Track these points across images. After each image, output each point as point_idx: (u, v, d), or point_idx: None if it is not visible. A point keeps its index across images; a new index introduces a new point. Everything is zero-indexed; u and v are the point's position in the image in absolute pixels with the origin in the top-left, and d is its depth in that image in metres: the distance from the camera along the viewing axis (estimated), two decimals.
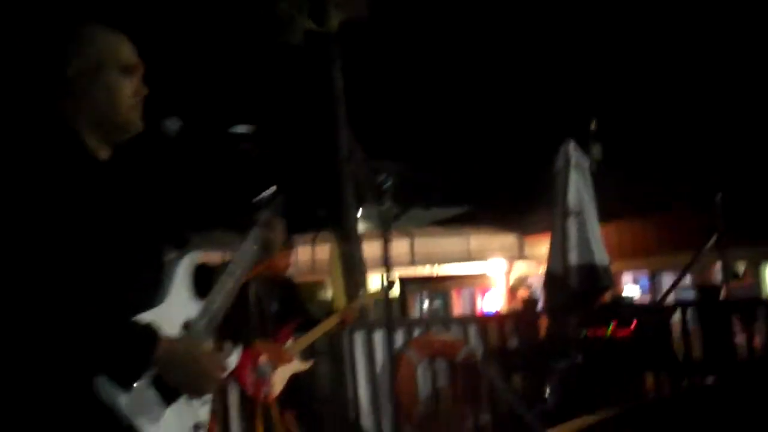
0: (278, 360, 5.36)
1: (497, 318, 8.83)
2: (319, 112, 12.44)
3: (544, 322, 8.16)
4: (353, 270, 11.64)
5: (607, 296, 7.43)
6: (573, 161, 6.96)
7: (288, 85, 13.04)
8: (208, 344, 2.18)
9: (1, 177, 1.95)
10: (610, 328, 6.21)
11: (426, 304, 18.84)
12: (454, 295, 17.69)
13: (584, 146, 7.37)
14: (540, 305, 7.99)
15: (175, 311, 2.13)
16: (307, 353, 5.80)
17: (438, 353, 7.48)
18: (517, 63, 16.17)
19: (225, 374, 2.16)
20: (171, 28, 12.55)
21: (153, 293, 2.11)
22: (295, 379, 5.46)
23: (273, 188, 2.48)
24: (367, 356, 7.27)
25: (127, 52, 2.20)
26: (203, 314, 2.17)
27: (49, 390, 1.91)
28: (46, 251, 1.90)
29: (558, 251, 6.98)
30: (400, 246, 13.28)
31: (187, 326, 2.13)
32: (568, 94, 15.56)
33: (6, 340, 1.90)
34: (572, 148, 7.02)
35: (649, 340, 6.06)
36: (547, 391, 7.52)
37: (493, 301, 15.38)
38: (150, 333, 1.97)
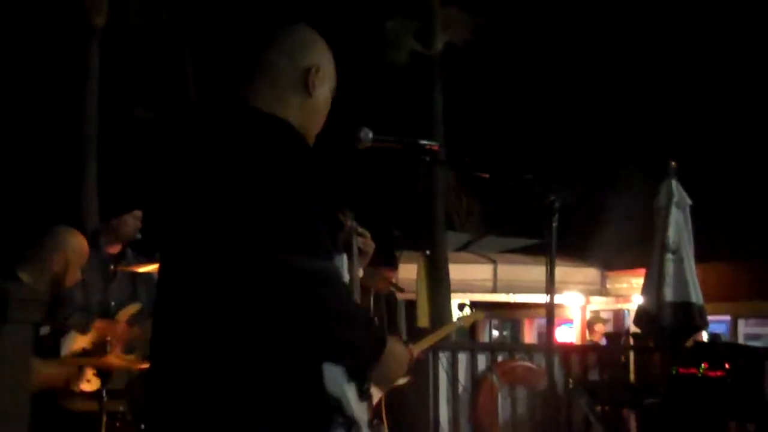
0: None
1: (580, 349, 8.82)
2: (416, 133, 12.55)
3: (627, 358, 8.13)
4: (440, 291, 11.70)
5: (701, 336, 7.37)
6: (675, 198, 6.94)
7: (390, 104, 13.22)
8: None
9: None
10: (702, 367, 6.17)
11: (495, 332, 18.74)
12: (525, 324, 17.56)
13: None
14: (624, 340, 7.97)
15: None
16: None
17: (520, 380, 7.49)
18: (606, 97, 16.13)
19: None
20: None
21: None
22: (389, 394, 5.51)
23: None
24: (450, 377, 7.31)
25: (335, 75, 2.24)
26: None
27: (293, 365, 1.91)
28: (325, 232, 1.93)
29: (653, 287, 6.95)
30: (482, 271, 13.29)
31: None
32: (653, 128, 15.47)
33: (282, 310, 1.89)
34: (675, 185, 7.00)
35: (742, 384, 5.99)
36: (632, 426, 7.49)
37: (566, 334, 15.23)
38: (378, 323, 2.00)
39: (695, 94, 15.57)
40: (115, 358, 4.00)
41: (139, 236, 5.10)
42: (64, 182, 13.16)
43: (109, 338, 4.33)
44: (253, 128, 2.02)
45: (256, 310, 1.88)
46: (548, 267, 2.41)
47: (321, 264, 1.89)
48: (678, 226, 6.90)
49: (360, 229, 2.52)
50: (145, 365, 3.97)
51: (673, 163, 7.17)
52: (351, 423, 1.94)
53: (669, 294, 6.79)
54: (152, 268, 4.55)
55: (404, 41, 12.50)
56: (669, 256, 6.85)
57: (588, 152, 15.76)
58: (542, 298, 14.40)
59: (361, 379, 1.96)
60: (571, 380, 7.46)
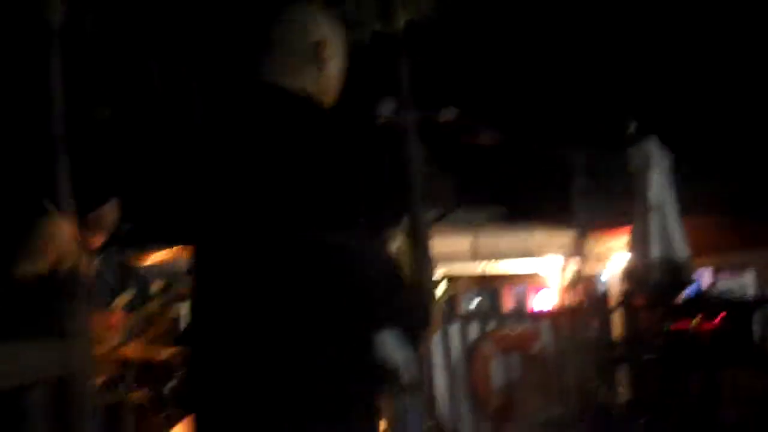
0: None
1: (569, 312, 8.90)
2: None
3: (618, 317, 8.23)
4: (422, 266, 11.67)
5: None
6: (654, 158, 7.02)
7: (355, 83, 13.14)
8: None
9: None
10: (695, 321, 6.27)
11: (474, 303, 18.87)
12: (504, 293, 17.68)
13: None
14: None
15: None
16: None
17: (512, 346, 7.57)
18: (568, 59, 16.18)
19: None
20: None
21: None
22: None
23: None
24: (443, 348, 7.37)
25: (344, 52, 2.26)
26: None
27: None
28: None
29: (639, 246, 7.03)
30: (462, 242, 13.31)
31: None
32: (616, 87, 15.55)
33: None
34: (654, 145, 7.08)
35: (736, 334, 6.10)
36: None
37: (546, 299, 15.34)
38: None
39: (675, 47, 15.65)
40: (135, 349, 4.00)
41: (127, 226, 5.06)
42: (35, 181, 13.02)
43: (108, 329, 4.34)
44: (280, 104, 2.05)
45: (309, 282, 1.89)
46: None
47: (368, 233, 1.92)
48: (659, 185, 6.98)
49: None
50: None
51: (631, 126, 7.22)
52: (409, 387, 1.96)
53: (656, 251, 6.88)
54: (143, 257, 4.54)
55: (366, 21, 12.46)
56: (653, 214, 6.93)
57: (561, 114, 15.84)
58: (517, 265, 14.55)
59: (414, 345, 1.97)
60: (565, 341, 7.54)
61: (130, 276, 5.27)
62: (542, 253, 14.38)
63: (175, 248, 4.66)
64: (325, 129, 2.00)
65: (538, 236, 14.10)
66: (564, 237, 14.51)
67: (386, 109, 2.36)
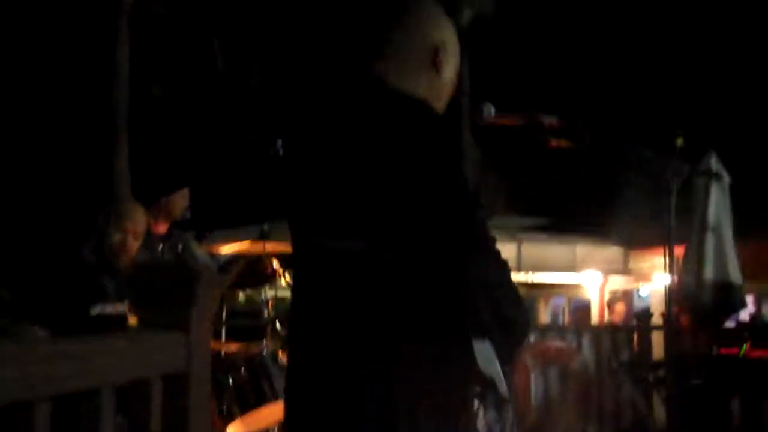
0: None
1: (610, 329, 8.75)
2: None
3: (658, 337, 8.06)
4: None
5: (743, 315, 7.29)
6: (714, 175, 6.83)
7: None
8: None
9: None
10: (745, 347, 6.08)
11: None
12: (541, 304, 17.54)
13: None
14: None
15: None
16: None
17: (552, 361, 7.44)
18: (626, 69, 16.03)
19: None
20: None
21: None
22: None
23: None
24: None
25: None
26: None
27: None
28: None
29: (693, 266, 6.85)
30: (507, 250, 13.21)
31: None
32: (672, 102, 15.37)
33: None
34: (714, 161, 6.89)
35: None
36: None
37: (585, 313, 15.20)
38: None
39: (734, 65, 15.41)
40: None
41: (188, 215, 5.08)
42: (96, 161, 13.16)
43: None
44: (395, 109, 2.00)
45: (419, 290, 1.87)
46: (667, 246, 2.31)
47: (488, 243, 1.89)
48: (717, 203, 6.80)
49: None
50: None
51: (679, 141, 7.05)
52: (502, 401, 1.93)
53: (709, 273, 6.70)
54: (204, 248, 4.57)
55: None
56: (709, 234, 6.75)
57: (611, 127, 15.67)
58: (561, 278, 14.41)
59: (508, 358, 1.90)
60: (608, 360, 7.41)
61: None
62: (584, 266, 14.26)
63: (247, 242, 4.64)
64: (439, 135, 1.94)
65: (581, 249, 13.99)
66: (607, 252, 14.43)
67: (487, 113, 2.30)
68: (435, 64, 2.12)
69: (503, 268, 1.92)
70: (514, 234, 13.09)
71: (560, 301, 17.16)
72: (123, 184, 12.30)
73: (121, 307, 3.83)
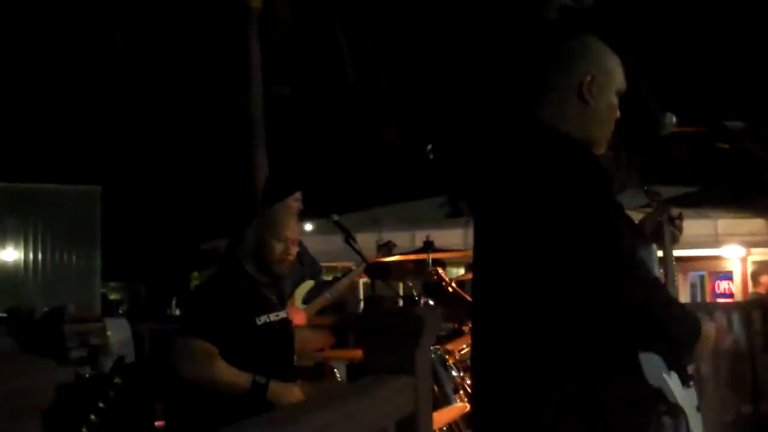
0: None
1: (759, 304, 8.54)
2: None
3: None
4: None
5: None
6: None
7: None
8: None
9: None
10: None
11: None
12: (679, 277, 17.13)
13: None
14: None
15: None
16: None
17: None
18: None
19: None
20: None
21: None
22: None
23: None
24: None
25: (622, 77, 2.26)
26: None
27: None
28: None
29: None
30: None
31: None
32: None
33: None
34: None
35: None
36: None
37: (728, 287, 14.76)
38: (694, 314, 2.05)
39: None
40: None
41: (334, 217, 5.26)
42: (235, 164, 13.52)
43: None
44: (547, 147, 2.11)
45: (580, 309, 1.95)
46: None
47: (639, 262, 2.00)
48: None
49: (673, 214, 2.51)
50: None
51: None
52: (675, 410, 1.95)
53: None
54: None
55: None
56: None
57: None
58: (699, 252, 14.01)
59: (681, 367, 1.96)
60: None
61: (305, 260, 5.41)
62: (722, 242, 13.85)
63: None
64: (580, 165, 2.04)
65: (723, 223, 13.59)
66: (749, 225, 13.96)
67: (669, 121, 2.34)
68: (583, 96, 2.18)
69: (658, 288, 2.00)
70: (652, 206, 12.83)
71: (697, 275, 16.73)
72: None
73: (283, 314, 3.94)
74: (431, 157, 4.65)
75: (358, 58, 15.63)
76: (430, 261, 4.47)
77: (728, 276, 14.84)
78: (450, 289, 4.39)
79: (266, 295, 3.92)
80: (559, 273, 1.95)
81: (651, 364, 1.93)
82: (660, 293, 2.01)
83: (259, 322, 3.74)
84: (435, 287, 4.44)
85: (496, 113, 2.36)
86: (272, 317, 3.83)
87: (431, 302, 4.52)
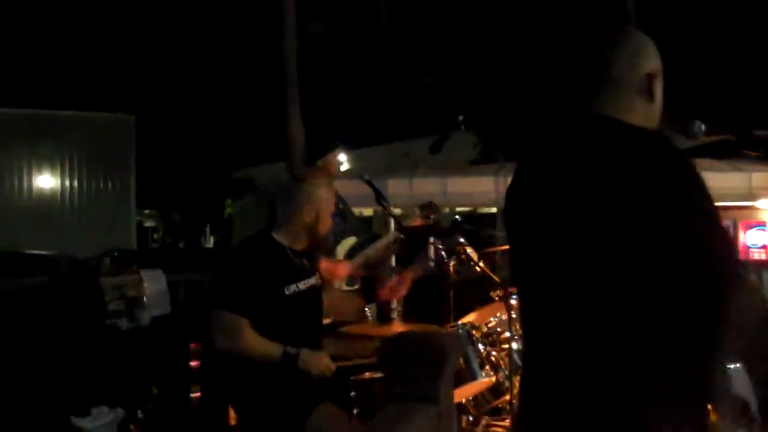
0: None
1: None
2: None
3: None
4: None
5: None
6: None
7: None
8: None
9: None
10: None
11: None
12: None
13: None
14: None
15: None
16: None
17: None
18: None
19: None
20: None
21: None
22: None
23: None
24: None
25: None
26: None
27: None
28: None
29: None
30: None
31: None
32: None
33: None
34: None
35: None
36: None
37: (757, 238, 14.61)
38: None
39: None
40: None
41: (340, 172, 5.34)
42: (270, 119, 13.45)
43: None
44: (622, 140, 2.06)
45: (667, 315, 1.87)
46: None
47: (735, 265, 1.89)
48: None
49: None
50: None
51: None
52: (752, 420, 1.94)
53: None
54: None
55: None
56: None
57: None
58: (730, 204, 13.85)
59: (758, 375, 1.95)
60: None
61: (348, 218, 5.46)
62: (758, 197, 13.63)
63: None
64: (662, 161, 1.97)
65: (758, 176, 13.40)
66: None
67: (698, 129, 2.34)
68: (650, 92, 2.17)
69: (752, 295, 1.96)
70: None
71: (730, 224, 16.52)
72: (298, 144, 12.46)
73: (313, 280, 3.98)
74: (462, 127, 4.67)
75: (394, 10, 15.47)
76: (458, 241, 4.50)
77: (761, 226, 14.66)
78: (478, 269, 4.42)
79: (295, 262, 3.93)
80: (661, 273, 1.88)
81: (738, 375, 1.92)
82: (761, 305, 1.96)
83: (287, 292, 3.79)
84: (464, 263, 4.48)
85: (552, 108, 2.32)
86: (301, 285, 3.87)
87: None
